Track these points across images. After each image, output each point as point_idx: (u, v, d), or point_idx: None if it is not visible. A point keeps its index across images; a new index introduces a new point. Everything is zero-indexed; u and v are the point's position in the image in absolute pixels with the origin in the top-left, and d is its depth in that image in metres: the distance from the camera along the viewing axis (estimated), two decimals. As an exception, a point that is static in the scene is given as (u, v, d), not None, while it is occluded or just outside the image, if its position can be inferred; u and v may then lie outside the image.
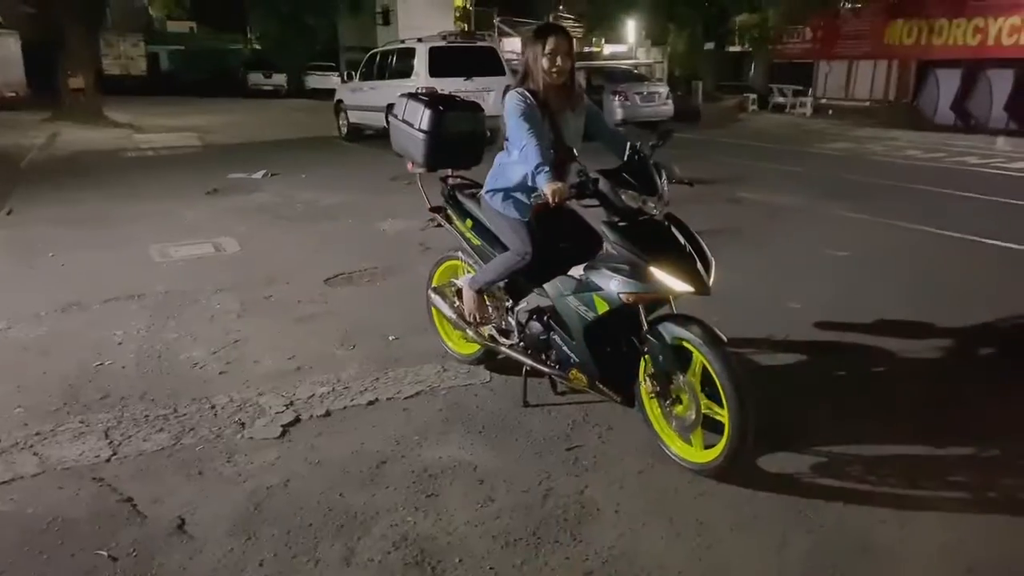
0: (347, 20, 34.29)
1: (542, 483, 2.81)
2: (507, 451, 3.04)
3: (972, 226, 7.11)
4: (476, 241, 3.52)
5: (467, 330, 3.62)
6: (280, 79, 32.93)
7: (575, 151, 3.00)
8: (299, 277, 5.39)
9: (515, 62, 15.99)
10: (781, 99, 24.31)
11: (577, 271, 3.01)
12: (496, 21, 36.14)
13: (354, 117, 14.64)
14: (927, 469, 2.95)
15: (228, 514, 2.61)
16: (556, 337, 3.17)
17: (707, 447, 2.82)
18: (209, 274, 5.47)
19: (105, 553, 2.39)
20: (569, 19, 33.67)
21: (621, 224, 2.83)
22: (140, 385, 3.62)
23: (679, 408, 2.85)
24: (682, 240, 2.81)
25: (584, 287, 2.95)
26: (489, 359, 3.75)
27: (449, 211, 3.72)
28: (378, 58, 14.10)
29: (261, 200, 8.49)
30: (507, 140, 3.10)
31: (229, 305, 4.79)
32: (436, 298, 3.85)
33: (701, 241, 2.86)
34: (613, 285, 2.81)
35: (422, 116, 3.65)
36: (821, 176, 10.78)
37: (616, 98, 16.05)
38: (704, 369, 2.72)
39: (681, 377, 2.80)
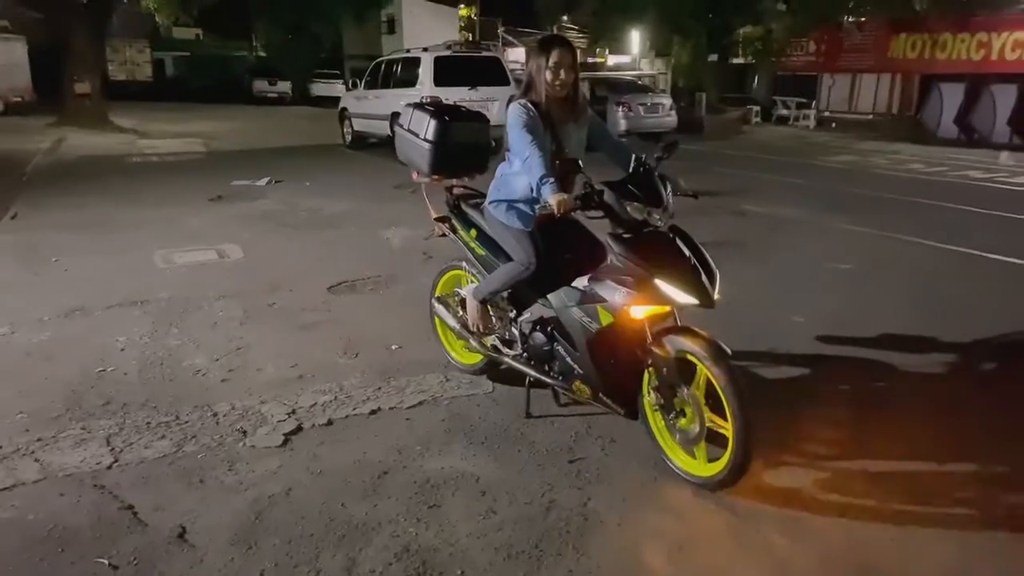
0: (352, 28, 34.44)
1: (545, 495, 2.80)
2: (510, 462, 3.03)
3: (974, 240, 7.11)
4: (480, 251, 3.52)
5: (470, 340, 3.62)
6: (285, 86, 33.06)
7: (580, 163, 3.00)
8: (302, 285, 5.40)
9: (519, 72, 16.05)
10: (784, 111, 24.39)
11: (581, 282, 3.00)
12: (500, 31, 36.34)
13: (358, 125, 14.69)
14: (931, 485, 2.94)
15: (229, 523, 2.60)
16: (559, 348, 3.17)
17: (711, 460, 2.81)
18: (212, 281, 5.47)
19: (106, 561, 2.38)
20: (573, 29, 33.82)
21: (626, 236, 2.82)
22: (142, 392, 3.61)
23: (683, 421, 2.84)
24: (687, 252, 2.81)
25: (588, 298, 2.94)
26: (492, 369, 3.74)
27: (453, 221, 3.73)
28: (383, 67, 14.15)
29: (265, 207, 8.51)
30: (508, 151, 3.11)
31: (232, 312, 4.79)
32: (439, 308, 3.85)
33: (706, 253, 2.85)
34: (617, 297, 2.81)
35: (427, 126, 3.66)
36: (824, 189, 10.78)
37: (620, 109, 16.09)
38: (708, 382, 2.71)
39: (685, 390, 2.79)
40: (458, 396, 3.63)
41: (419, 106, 3.85)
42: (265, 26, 36.16)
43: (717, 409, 2.70)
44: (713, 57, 25.27)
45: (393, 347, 4.23)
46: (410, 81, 12.74)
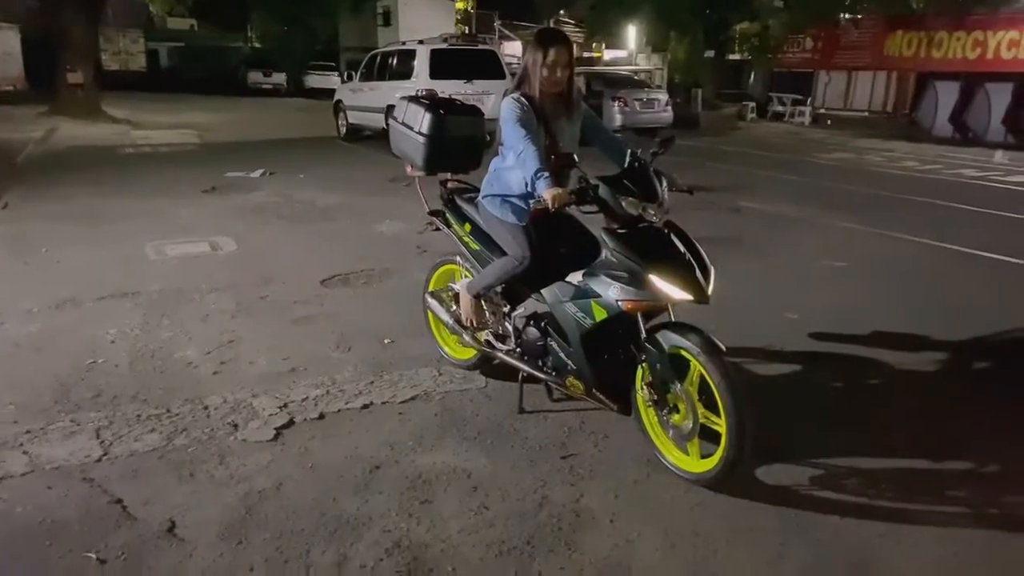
0: (348, 20, 34.32)
1: (537, 491, 2.79)
2: (502, 458, 3.02)
3: (969, 238, 7.12)
4: (474, 246, 3.50)
5: (463, 335, 3.60)
6: (280, 78, 32.92)
7: (575, 157, 2.99)
8: (295, 278, 5.37)
9: (515, 66, 16.00)
10: (780, 108, 24.41)
11: (575, 277, 2.99)
12: (497, 24, 36.20)
13: (353, 118, 14.63)
14: (924, 483, 2.94)
15: (219, 517, 2.58)
16: (553, 343, 3.15)
17: (704, 457, 2.80)
18: (205, 273, 5.44)
19: (94, 555, 2.36)
20: (570, 24, 33.73)
21: (620, 231, 2.81)
22: (133, 384, 3.58)
23: (676, 417, 2.83)
24: (682, 248, 2.80)
25: (582, 294, 2.93)
26: (485, 364, 3.73)
27: (447, 215, 3.71)
28: (378, 59, 14.09)
29: (258, 199, 8.46)
30: (502, 145, 3.09)
31: (224, 305, 4.76)
32: (433, 302, 3.83)
33: (701, 249, 2.84)
34: (611, 292, 2.79)
35: (422, 119, 3.64)
36: (819, 186, 10.79)
37: (616, 104, 16.06)
38: (702, 378, 2.70)
39: (678, 386, 2.78)
40: (451, 391, 3.62)
41: (414, 99, 3.83)
42: (261, 17, 36.05)
43: (710, 405, 2.69)
44: (710, 53, 25.28)
45: (386, 341, 4.21)
46: (405, 74, 12.68)
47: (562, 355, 3.10)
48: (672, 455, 2.91)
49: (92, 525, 2.52)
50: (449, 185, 3.78)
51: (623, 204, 2.77)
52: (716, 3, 23.65)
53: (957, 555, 2.50)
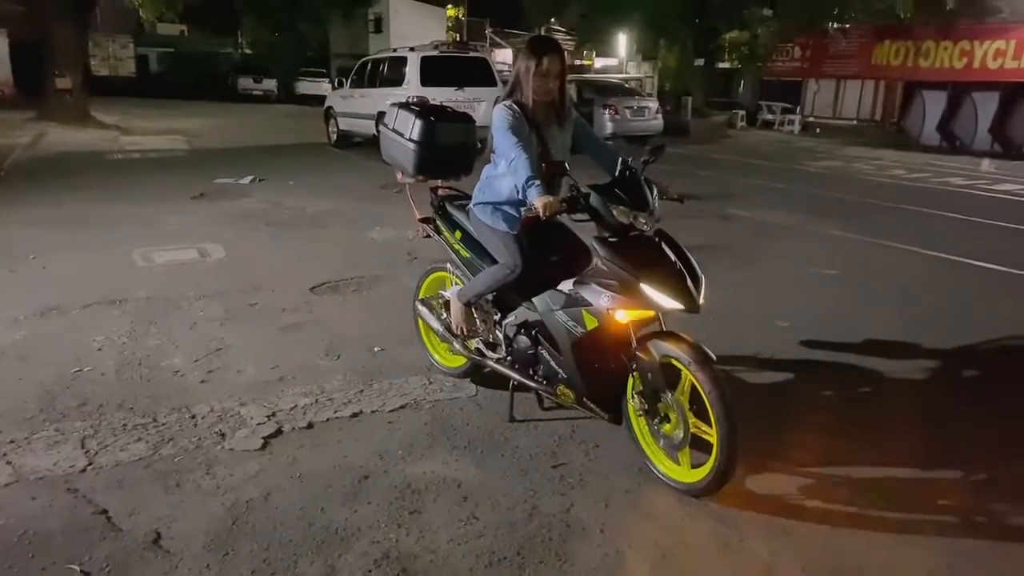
0: (339, 27, 34.30)
1: (527, 501, 2.77)
2: (492, 467, 3.00)
3: (957, 247, 7.17)
4: (465, 253, 3.48)
5: (454, 343, 3.59)
6: (270, 84, 32.85)
7: (566, 165, 2.98)
8: (284, 285, 5.34)
9: (506, 73, 16.03)
10: (770, 116, 24.55)
11: (566, 286, 2.98)
12: (488, 32, 36.34)
13: (344, 124, 14.60)
14: (915, 492, 2.94)
15: (206, 528, 2.54)
16: (544, 352, 3.14)
17: (695, 466, 2.79)
18: (193, 280, 5.40)
19: (77, 567, 2.33)
20: (561, 31, 33.87)
21: (611, 239, 2.81)
22: (119, 393, 3.54)
23: (667, 427, 2.82)
24: (672, 257, 2.79)
25: (573, 302, 2.92)
26: (476, 373, 3.71)
27: (438, 222, 3.69)
28: (369, 66, 14.08)
29: (247, 206, 8.42)
30: (494, 153, 3.09)
31: (212, 312, 4.72)
32: (423, 310, 3.81)
33: (691, 258, 2.84)
34: (602, 301, 2.78)
35: (413, 126, 3.63)
36: (809, 194, 10.84)
37: (606, 111, 16.11)
38: (693, 387, 2.69)
39: (669, 395, 2.77)
40: (441, 399, 3.60)
41: (404, 106, 3.82)
42: (251, 23, 35.95)
43: (701, 415, 2.68)
44: (699, 61, 25.41)
45: (376, 349, 4.18)
46: (396, 80, 12.68)
47: (553, 364, 3.09)
48: (663, 465, 2.90)
49: (76, 536, 2.48)
50: (440, 192, 3.76)
51: (614, 212, 2.76)
52: (706, 12, 23.78)
53: (949, 565, 2.50)
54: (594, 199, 2.79)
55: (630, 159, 2.94)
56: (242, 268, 5.79)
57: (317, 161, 12.90)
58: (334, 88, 16.22)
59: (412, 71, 12.40)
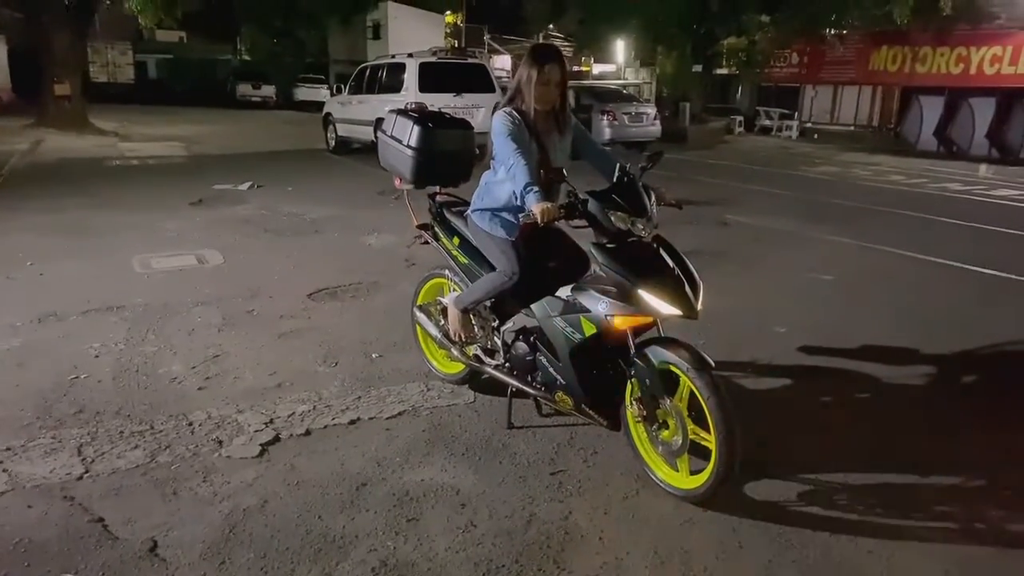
0: (337, 34, 34.37)
1: (525, 508, 2.76)
2: (490, 474, 2.99)
3: (954, 252, 7.18)
4: (463, 259, 3.48)
5: (452, 349, 3.58)
6: (269, 90, 32.91)
7: (564, 171, 2.98)
8: (282, 291, 5.33)
9: (505, 80, 16.07)
10: (767, 122, 24.61)
11: (565, 292, 2.97)
12: (487, 38, 36.40)
13: (342, 130, 14.62)
14: (914, 499, 2.93)
15: (202, 536, 2.53)
16: (542, 358, 3.13)
17: (693, 473, 2.79)
18: (191, 287, 5.39)
19: (73, 576, 2.32)
20: (559, 38, 33.92)
21: (610, 246, 2.80)
22: (116, 400, 3.53)
23: (665, 433, 2.81)
24: (671, 263, 2.79)
25: (571, 308, 2.91)
26: (474, 379, 3.70)
27: (436, 228, 3.69)
28: (368, 72, 14.10)
29: (246, 212, 8.42)
30: (493, 159, 3.09)
31: (210, 319, 4.72)
32: (421, 316, 3.80)
33: (690, 264, 2.84)
34: (601, 307, 2.78)
35: (411, 132, 3.63)
36: (807, 200, 10.85)
37: (604, 117, 16.14)
38: (691, 394, 2.69)
39: (668, 401, 2.76)
40: (439, 406, 3.59)
41: (403, 112, 3.82)
42: (250, 30, 35.99)
43: (700, 421, 2.68)
44: (697, 67, 25.46)
45: (374, 356, 4.17)
46: (395, 87, 12.70)
47: (551, 370, 3.08)
48: (661, 471, 2.89)
49: (72, 544, 2.47)
50: (438, 198, 3.76)
51: (612, 219, 2.76)
52: (704, 18, 23.84)
53: (947, 572, 2.49)
54: (592, 205, 2.79)
55: (628, 165, 2.95)
56: (240, 274, 5.78)
57: (315, 167, 12.90)
58: (333, 94, 16.24)
59: (410, 77, 12.42)
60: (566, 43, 32.74)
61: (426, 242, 3.81)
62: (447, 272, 3.72)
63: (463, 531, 2.61)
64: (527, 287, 3.12)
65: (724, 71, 26.68)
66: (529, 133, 3.00)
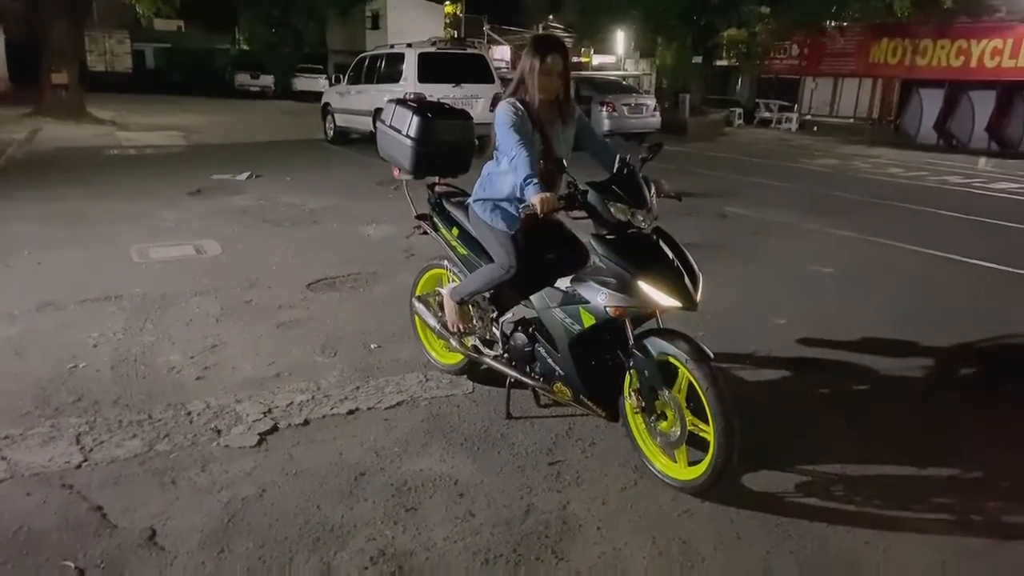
0: (336, 23, 34.26)
1: (523, 498, 2.77)
2: (489, 464, 3.00)
3: (953, 245, 7.18)
4: (462, 250, 3.48)
5: (450, 340, 3.58)
6: (267, 80, 32.80)
7: (564, 162, 2.98)
8: (281, 282, 5.32)
9: (504, 70, 16.02)
10: (767, 114, 24.59)
11: (564, 283, 2.97)
12: (486, 29, 36.29)
13: (341, 120, 14.57)
14: (910, 490, 2.94)
15: (201, 525, 2.53)
16: (541, 349, 3.13)
17: (691, 464, 2.79)
18: (189, 277, 5.38)
19: (72, 564, 2.31)
20: (559, 28, 33.81)
21: (609, 237, 2.80)
22: (114, 389, 3.53)
23: (664, 424, 2.81)
24: (670, 254, 2.79)
25: (570, 299, 2.91)
26: (472, 370, 3.70)
27: (435, 219, 3.69)
28: (367, 62, 14.04)
29: (244, 202, 8.40)
30: (497, 150, 3.08)
31: (209, 309, 4.71)
32: (420, 307, 3.80)
33: (689, 255, 2.84)
34: (600, 298, 2.78)
35: (410, 122, 3.61)
36: (806, 192, 10.85)
37: (604, 109, 16.10)
38: (690, 385, 2.69)
39: (667, 393, 2.76)
40: (438, 396, 3.59)
41: (402, 102, 3.80)
42: (249, 19, 35.87)
43: (698, 412, 2.68)
44: (697, 59, 25.41)
45: (372, 346, 4.17)
46: (393, 77, 12.65)
47: (550, 361, 3.08)
48: (659, 462, 2.89)
49: (71, 533, 2.47)
50: (437, 189, 3.75)
51: (612, 210, 2.76)
52: (704, 9, 23.77)
53: (945, 563, 2.50)
54: (592, 196, 2.79)
55: (628, 157, 2.94)
56: (239, 264, 5.78)
57: (314, 157, 12.87)
58: (331, 84, 16.19)
59: (409, 68, 12.38)
60: (566, 34, 32.63)
61: (425, 232, 3.80)
62: (446, 263, 3.71)
63: (461, 520, 2.62)
64: (526, 278, 3.12)
65: (724, 63, 26.65)
66: (532, 123, 2.99)
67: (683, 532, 2.61)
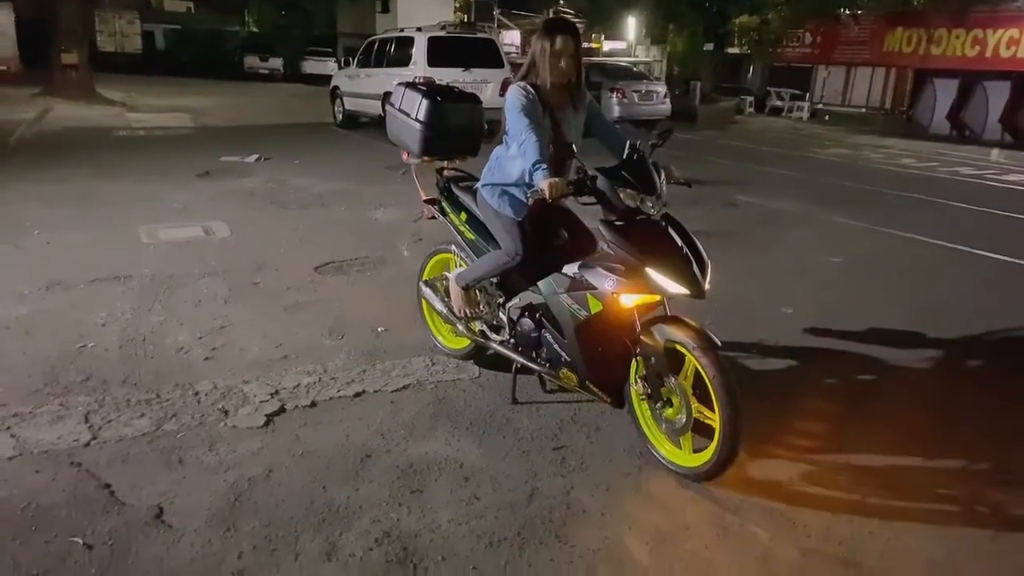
0: (346, 7, 34.10)
1: (528, 482, 2.78)
2: (494, 448, 3.01)
3: (964, 236, 7.13)
4: (470, 235, 3.47)
5: (457, 325, 3.58)
6: (277, 63, 32.74)
7: (574, 148, 2.96)
8: (289, 264, 5.33)
9: (514, 55, 15.92)
10: (779, 102, 24.37)
11: (571, 269, 2.96)
12: (496, 13, 36.04)
13: (350, 104, 14.54)
14: (915, 480, 2.94)
15: (208, 504, 2.56)
16: (547, 335, 3.13)
17: (696, 451, 2.79)
18: (197, 258, 5.40)
19: (80, 540, 2.34)
20: (569, 14, 33.55)
21: (618, 223, 2.79)
22: (123, 369, 3.55)
23: (669, 411, 2.81)
24: (679, 242, 2.78)
25: (578, 285, 2.90)
26: (479, 354, 3.71)
27: (443, 203, 3.68)
28: (376, 46, 13.99)
29: (253, 184, 8.41)
30: (507, 134, 3.06)
31: (217, 290, 4.73)
32: (427, 291, 3.80)
33: (698, 243, 2.82)
34: (607, 284, 2.77)
35: (419, 106, 3.60)
36: (817, 182, 10.78)
37: (614, 95, 16.01)
38: (696, 372, 2.69)
39: (672, 380, 2.76)
40: (444, 380, 3.60)
41: (411, 85, 3.79)
42: (258, 1, 35.74)
43: (704, 400, 2.68)
44: (709, 46, 25.22)
45: (379, 329, 4.18)
46: (403, 61, 12.60)
47: (556, 347, 3.08)
48: (664, 449, 2.90)
49: (79, 510, 2.49)
50: (446, 173, 3.74)
51: (621, 196, 2.74)
52: (716, -4, 23.59)
53: (950, 553, 2.50)
54: (601, 182, 2.77)
55: (638, 142, 2.92)
56: (247, 247, 5.79)
57: (323, 141, 12.86)
58: (340, 67, 16.14)
59: (419, 52, 12.32)
60: (577, 19, 32.42)
61: (433, 217, 3.80)
62: (454, 247, 3.71)
63: (466, 503, 2.63)
64: (531, 266, 3.11)
65: (736, 50, 26.42)
66: (543, 108, 2.97)
67: (687, 518, 2.62)
